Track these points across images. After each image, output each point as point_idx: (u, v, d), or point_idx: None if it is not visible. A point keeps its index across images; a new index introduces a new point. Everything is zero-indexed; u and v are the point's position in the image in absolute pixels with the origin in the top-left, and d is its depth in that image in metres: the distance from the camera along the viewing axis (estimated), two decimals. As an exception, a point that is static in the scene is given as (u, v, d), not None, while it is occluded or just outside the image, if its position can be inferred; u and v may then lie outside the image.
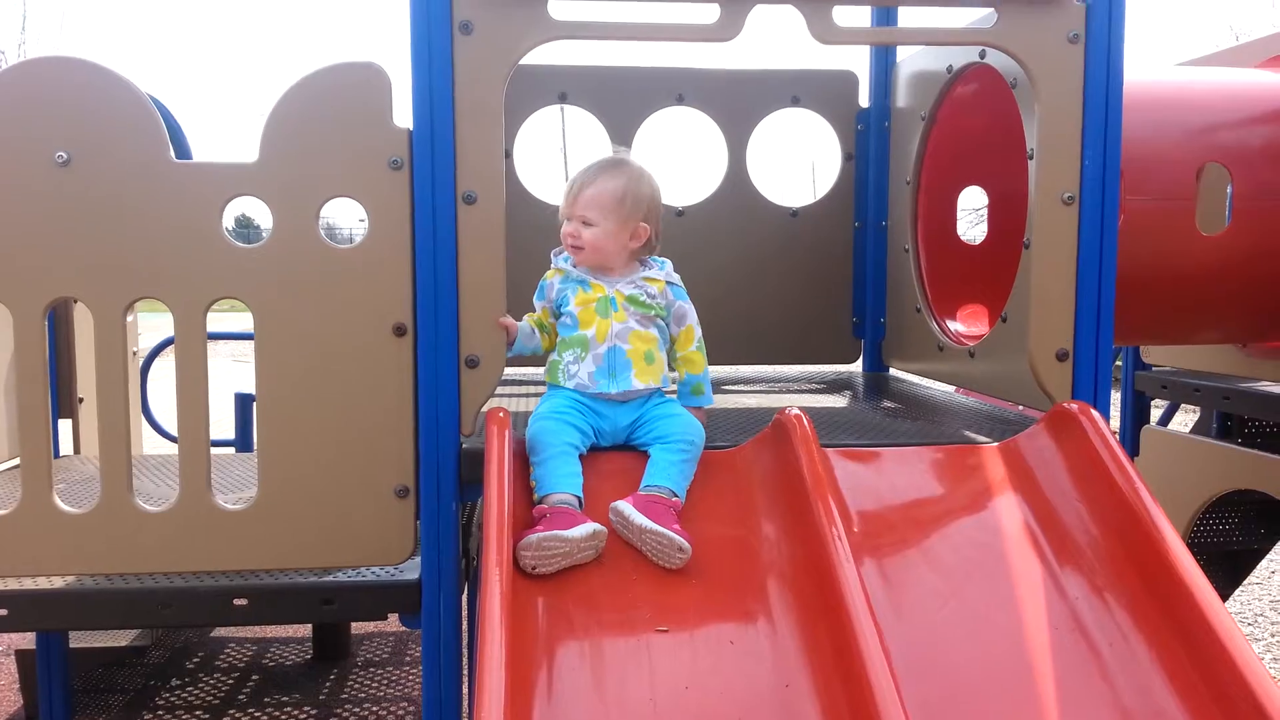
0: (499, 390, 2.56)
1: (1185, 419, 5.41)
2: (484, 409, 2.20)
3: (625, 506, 1.98)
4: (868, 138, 3.53)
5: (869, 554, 1.95)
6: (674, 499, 2.02)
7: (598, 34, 2.23)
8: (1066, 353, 2.31)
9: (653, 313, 2.28)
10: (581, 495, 2.03)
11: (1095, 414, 2.09)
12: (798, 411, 2.11)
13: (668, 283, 2.31)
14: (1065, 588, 1.90)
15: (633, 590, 1.91)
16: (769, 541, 1.97)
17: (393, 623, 4.70)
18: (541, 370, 2.36)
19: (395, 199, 2.20)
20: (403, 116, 2.20)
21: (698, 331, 2.31)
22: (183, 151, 3.06)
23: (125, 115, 2.15)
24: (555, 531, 1.90)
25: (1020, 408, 2.66)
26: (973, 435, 2.38)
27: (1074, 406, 2.14)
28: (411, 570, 2.23)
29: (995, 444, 2.25)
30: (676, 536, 1.93)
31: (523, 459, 2.14)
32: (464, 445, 2.19)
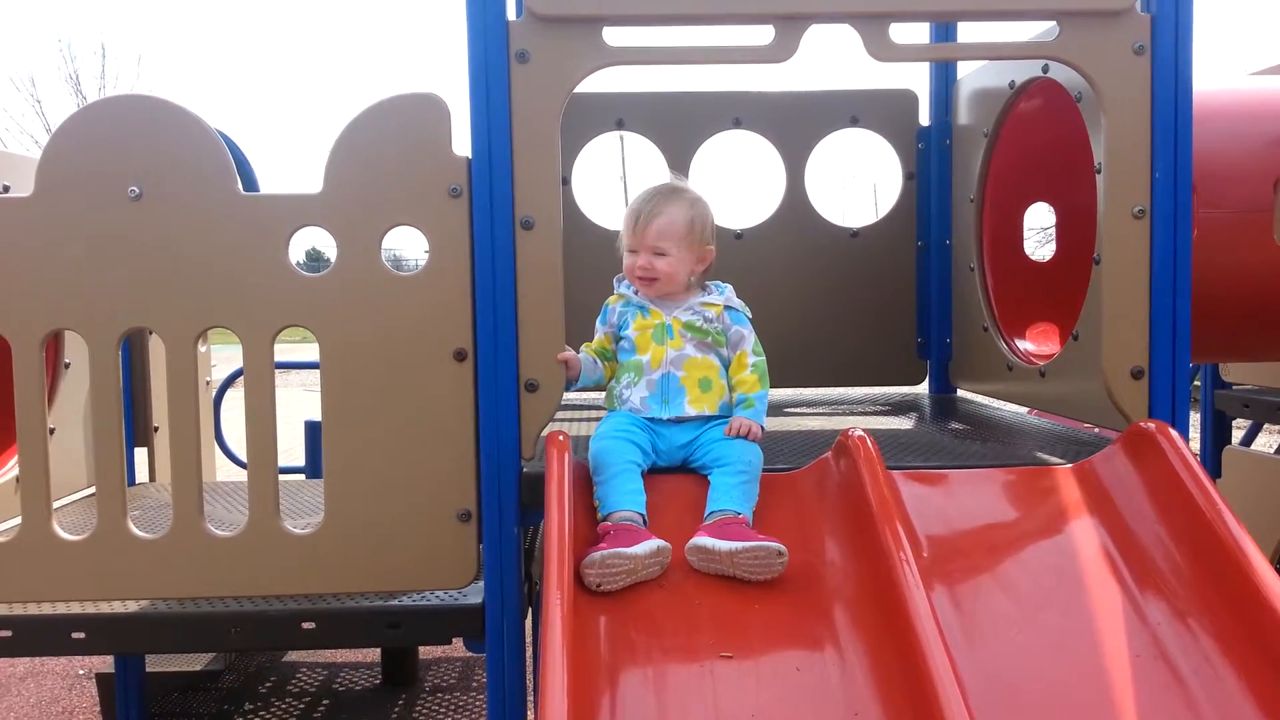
0: (558, 415, 2.56)
1: (1269, 440, 5.20)
2: (544, 433, 2.21)
3: (703, 540, 1.93)
4: (929, 156, 3.48)
5: (938, 579, 1.90)
6: (741, 517, 2.00)
7: (652, 59, 2.24)
8: (1142, 370, 2.24)
9: (709, 338, 2.26)
10: (645, 513, 2.02)
11: (1174, 433, 2.02)
12: (861, 433, 2.08)
13: (726, 307, 2.30)
14: (1146, 613, 1.83)
15: (696, 615, 1.88)
16: (834, 566, 1.93)
17: (459, 648, 4.74)
18: (599, 396, 2.36)
19: (455, 226, 2.22)
20: (462, 145, 2.24)
21: (753, 357, 2.27)
22: (250, 184, 3.13)
23: (194, 150, 2.21)
24: (619, 549, 1.88)
25: (1096, 429, 2.59)
26: (1046, 457, 2.31)
27: (1151, 426, 2.07)
28: (475, 594, 2.23)
29: (1069, 465, 2.18)
30: (769, 543, 1.89)
31: (584, 482, 2.13)
32: (525, 469, 2.19)
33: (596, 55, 2.17)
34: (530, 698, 2.26)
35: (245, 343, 2.23)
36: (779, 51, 2.20)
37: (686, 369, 2.22)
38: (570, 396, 2.59)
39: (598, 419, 2.34)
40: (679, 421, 2.20)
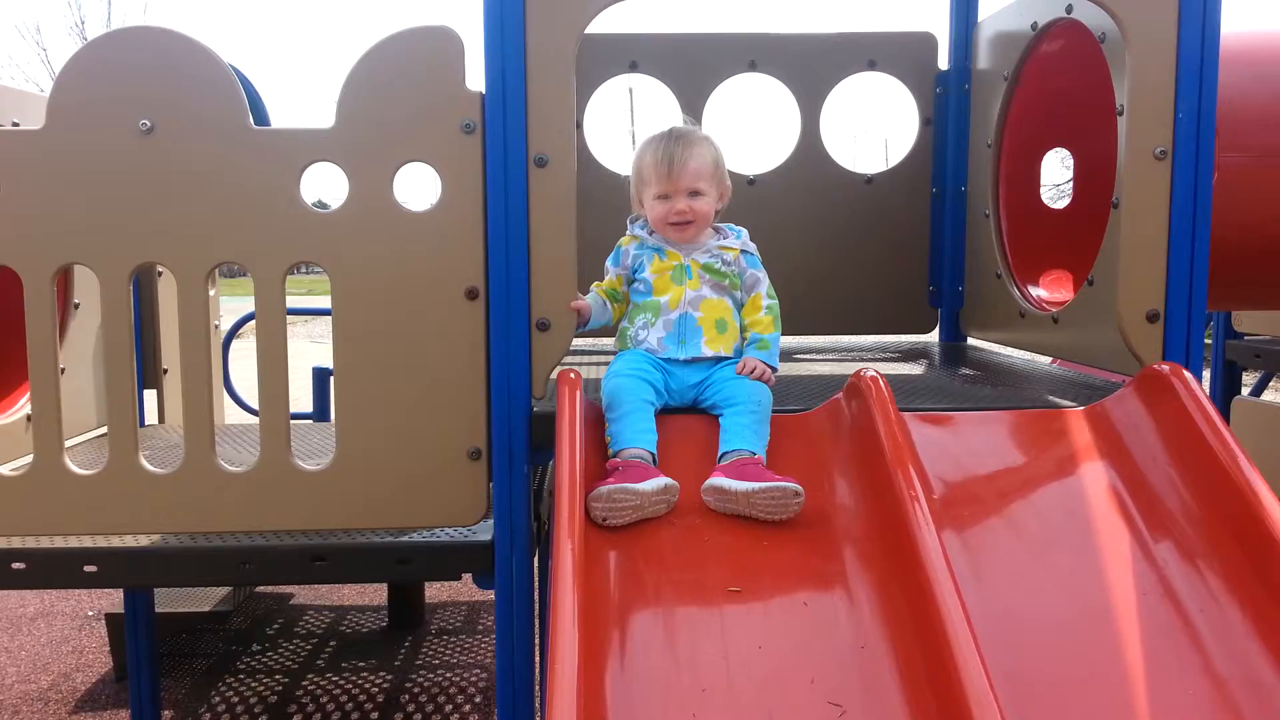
0: (566, 359, 2.56)
1: (1275, 395, 5.18)
2: (555, 372, 2.21)
3: (720, 480, 1.93)
4: (947, 101, 3.44)
5: (948, 519, 1.90)
6: (757, 457, 2.00)
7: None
8: (1158, 314, 2.22)
9: (726, 280, 2.25)
10: (655, 452, 2.02)
11: (1188, 375, 2.01)
12: (874, 373, 2.07)
13: (742, 250, 2.29)
14: (1155, 554, 1.83)
15: (705, 552, 1.89)
16: (844, 506, 1.94)
17: (465, 591, 4.81)
18: (609, 341, 2.35)
19: (468, 163, 2.20)
20: (475, 81, 2.21)
21: (766, 300, 2.27)
22: (261, 119, 3.11)
23: (206, 83, 2.19)
24: (626, 484, 1.89)
25: (1108, 375, 2.57)
26: (1057, 400, 2.30)
27: (1165, 368, 2.05)
28: (484, 532, 2.24)
29: (1081, 408, 2.17)
30: (787, 483, 1.89)
31: (595, 422, 2.13)
32: (535, 408, 2.20)
33: (613, -13, 2.14)
34: (537, 635, 2.29)
35: (257, 278, 2.22)
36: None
37: (704, 310, 2.22)
38: (579, 342, 2.59)
39: (607, 362, 2.34)
40: (693, 362, 2.20)
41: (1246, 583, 1.72)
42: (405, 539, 2.24)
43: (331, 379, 4.76)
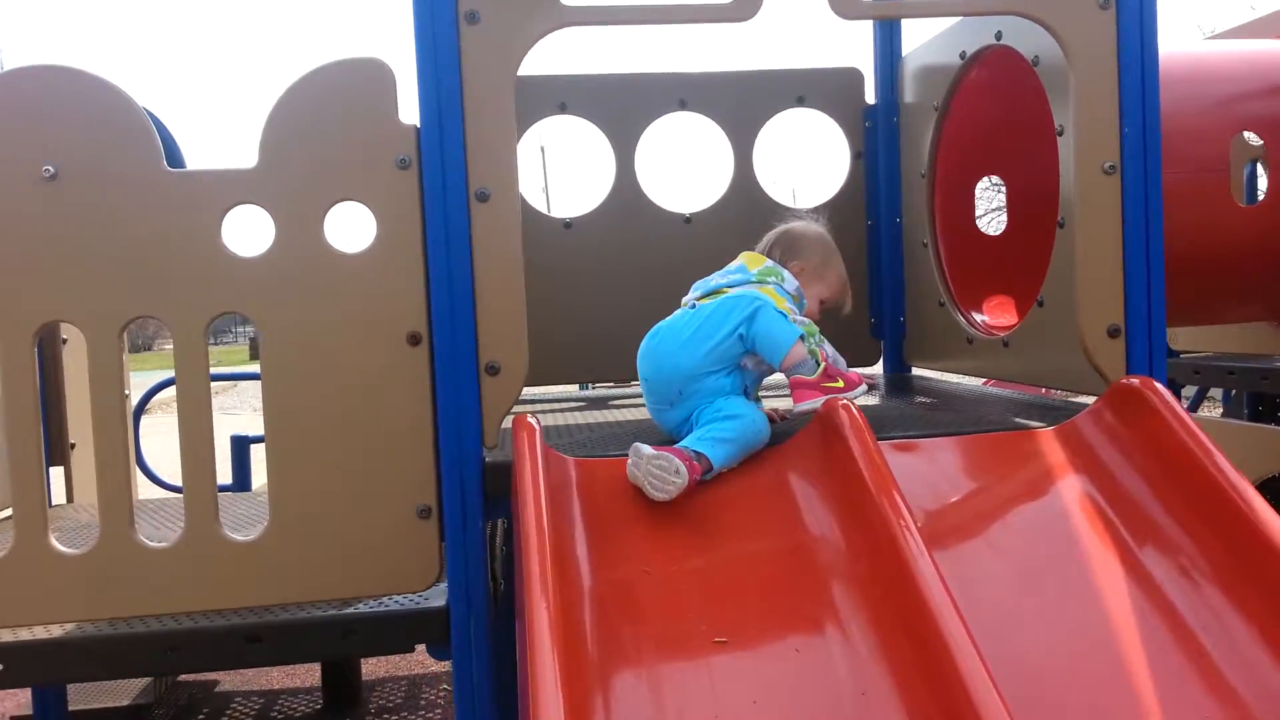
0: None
1: (1209, 410, 5.30)
2: (506, 420, 2.07)
3: (643, 446, 1.93)
4: (876, 134, 3.43)
5: (934, 550, 1.80)
6: (697, 453, 1.96)
7: (610, 18, 2.13)
8: (1119, 329, 2.20)
9: None
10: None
11: (1160, 387, 1.97)
12: (845, 402, 1.98)
13: None
14: (1148, 569, 1.77)
15: (682, 601, 1.76)
16: (826, 541, 1.83)
17: (404, 665, 4.56)
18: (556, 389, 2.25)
19: (404, 200, 2.08)
20: (409, 114, 2.09)
21: None
22: (176, 162, 2.92)
23: (115, 124, 2.03)
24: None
25: (1059, 394, 2.55)
26: (1024, 421, 2.25)
27: (1136, 381, 2.02)
28: (438, 597, 2.08)
29: (1051, 428, 2.12)
30: (676, 459, 1.88)
31: (554, 469, 1.99)
32: (486, 459, 2.05)
33: (552, 16, 2.06)
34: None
35: (176, 333, 2.04)
36: (741, 10, 2.11)
37: None
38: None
39: (556, 409, 2.22)
40: None
41: (1246, 593, 1.66)
42: (350, 610, 2.05)
43: (251, 447, 4.54)
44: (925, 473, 2.00)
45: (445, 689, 4.29)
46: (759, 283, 2.27)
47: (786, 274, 2.37)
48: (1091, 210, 2.22)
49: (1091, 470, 1.97)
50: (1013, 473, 2.01)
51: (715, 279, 2.32)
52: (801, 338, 2.11)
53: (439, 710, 4.05)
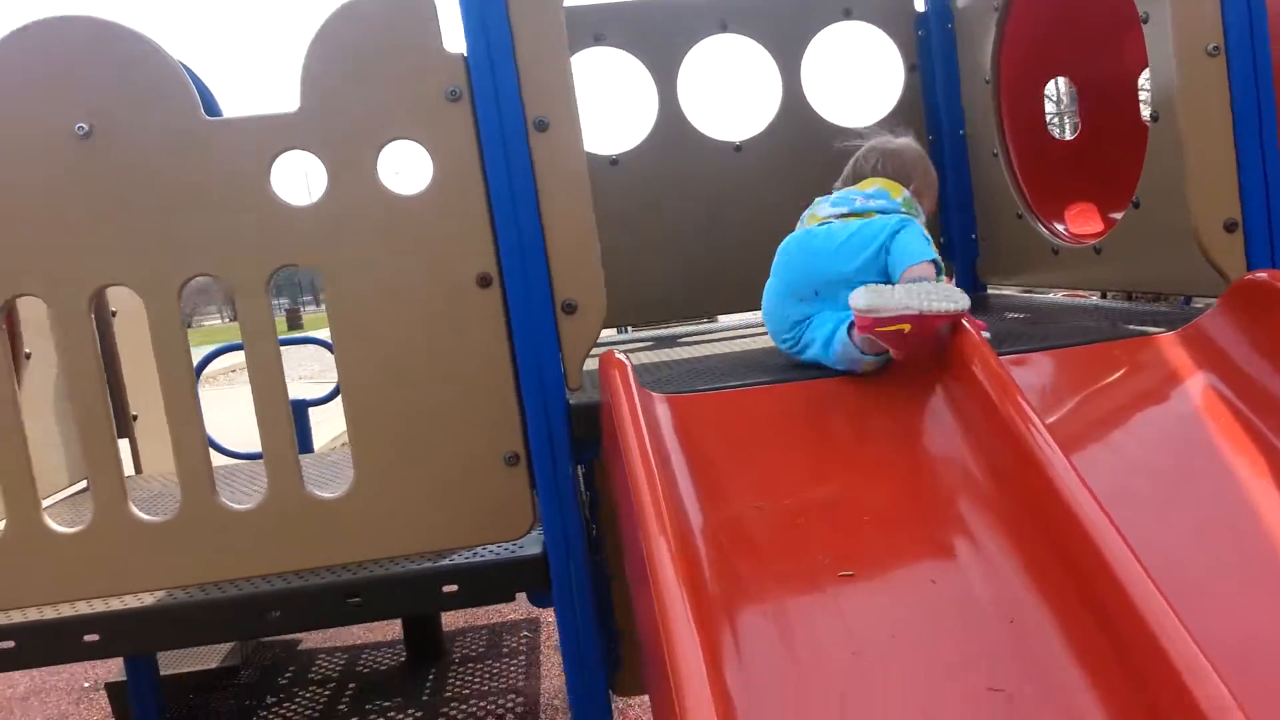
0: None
1: None
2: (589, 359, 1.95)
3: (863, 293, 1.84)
4: (930, 43, 3.25)
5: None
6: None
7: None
8: (1235, 223, 2.04)
9: None
10: None
11: (1292, 278, 1.82)
12: (964, 320, 1.84)
13: None
14: (1302, 470, 1.63)
15: (801, 537, 1.65)
16: (951, 462, 1.70)
17: (483, 615, 4.51)
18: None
19: (459, 134, 1.94)
20: (453, 42, 1.95)
21: None
22: (213, 113, 2.80)
23: (148, 77, 1.89)
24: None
25: (1155, 303, 2.39)
26: (1138, 328, 2.11)
27: (1264, 275, 1.87)
28: (533, 545, 1.97)
29: (1173, 332, 1.97)
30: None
31: (652, 407, 1.87)
32: (571, 401, 1.94)
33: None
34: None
35: (238, 292, 1.92)
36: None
37: None
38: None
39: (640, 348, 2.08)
40: None
41: None
42: (446, 563, 1.95)
43: (309, 410, 4.48)
44: (1049, 386, 1.87)
45: (526, 635, 4.25)
46: (905, 213, 2.19)
47: (919, 207, 2.32)
48: (1196, 97, 2.05)
49: (1225, 373, 1.83)
50: (1139, 381, 1.87)
51: (858, 200, 2.22)
52: (935, 263, 1.99)
53: (522, 657, 4.00)
